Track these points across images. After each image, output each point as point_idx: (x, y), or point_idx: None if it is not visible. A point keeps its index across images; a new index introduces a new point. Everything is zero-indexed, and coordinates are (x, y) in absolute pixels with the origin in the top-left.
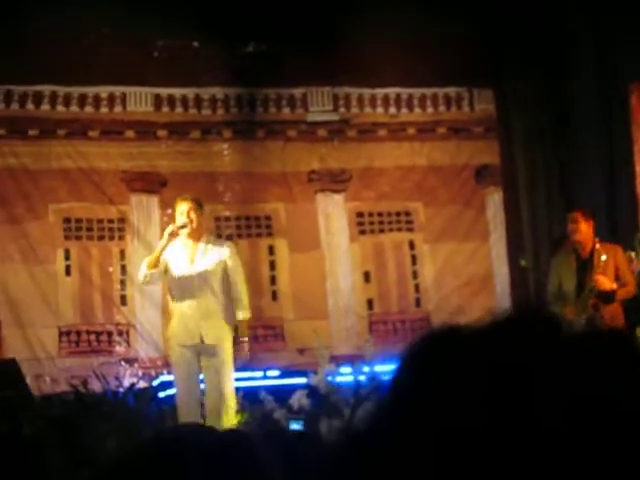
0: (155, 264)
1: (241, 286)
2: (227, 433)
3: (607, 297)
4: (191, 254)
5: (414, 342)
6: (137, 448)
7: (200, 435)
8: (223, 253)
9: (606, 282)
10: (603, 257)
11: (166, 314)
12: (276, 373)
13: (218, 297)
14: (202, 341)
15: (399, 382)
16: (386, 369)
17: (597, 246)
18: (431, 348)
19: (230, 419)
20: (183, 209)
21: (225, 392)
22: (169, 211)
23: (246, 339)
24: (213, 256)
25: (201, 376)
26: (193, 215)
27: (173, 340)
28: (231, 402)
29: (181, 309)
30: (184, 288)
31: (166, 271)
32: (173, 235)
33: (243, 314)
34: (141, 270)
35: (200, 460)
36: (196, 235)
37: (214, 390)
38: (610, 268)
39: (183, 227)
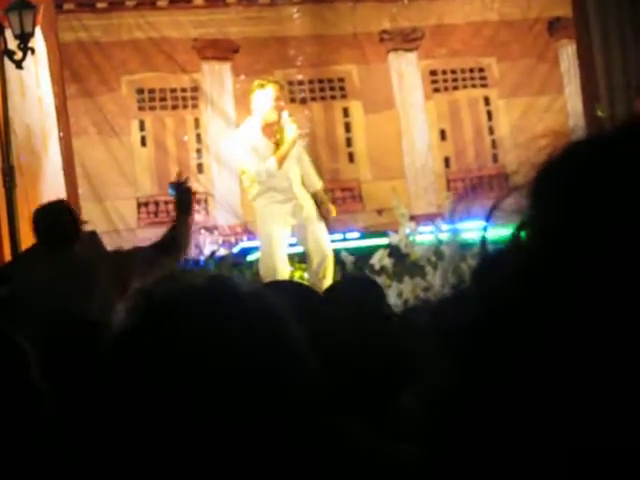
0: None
1: (308, 159)
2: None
3: None
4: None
5: None
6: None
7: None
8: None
9: None
10: None
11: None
12: (356, 235)
13: (298, 176)
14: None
15: None
16: (466, 226)
17: None
18: None
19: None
20: (273, 95)
21: (327, 254)
22: (242, 77)
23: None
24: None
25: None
26: (278, 103)
27: (262, 217)
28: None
29: (267, 195)
30: (270, 175)
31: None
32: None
33: (318, 184)
34: (269, 169)
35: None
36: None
37: (317, 253)
38: None
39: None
